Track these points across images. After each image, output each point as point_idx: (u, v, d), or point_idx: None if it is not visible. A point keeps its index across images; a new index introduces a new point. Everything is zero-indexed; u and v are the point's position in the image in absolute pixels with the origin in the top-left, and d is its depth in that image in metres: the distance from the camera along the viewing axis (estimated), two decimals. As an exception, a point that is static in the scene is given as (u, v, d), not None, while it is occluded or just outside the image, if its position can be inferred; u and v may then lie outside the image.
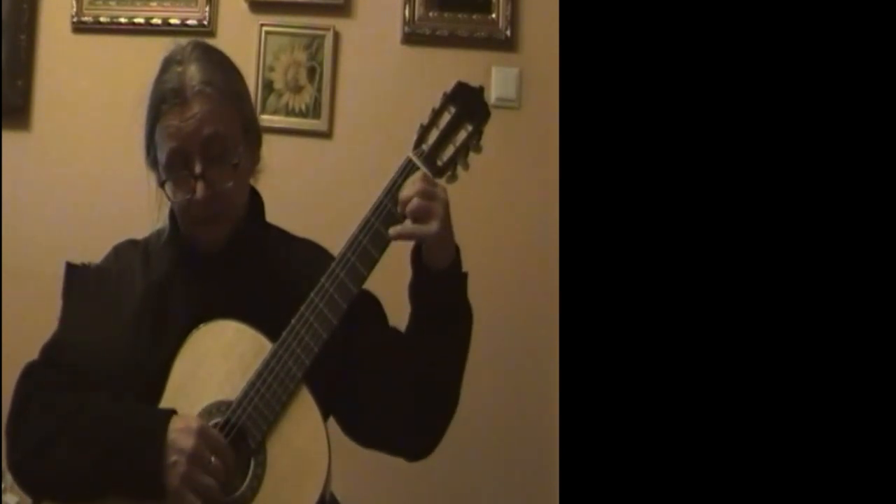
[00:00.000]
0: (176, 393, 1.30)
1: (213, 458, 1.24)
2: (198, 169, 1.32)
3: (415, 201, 1.28)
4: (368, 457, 1.43)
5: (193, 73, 1.33)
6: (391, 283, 1.36)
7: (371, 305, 1.43)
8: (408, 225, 1.29)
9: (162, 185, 1.36)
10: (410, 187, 1.30)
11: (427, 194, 1.28)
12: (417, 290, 1.35)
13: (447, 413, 1.39)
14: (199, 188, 1.32)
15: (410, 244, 1.34)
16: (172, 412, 1.26)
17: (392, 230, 1.29)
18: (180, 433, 1.23)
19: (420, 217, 1.28)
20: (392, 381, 1.35)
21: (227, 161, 1.34)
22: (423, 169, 1.32)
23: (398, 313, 1.38)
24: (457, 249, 1.35)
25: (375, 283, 1.35)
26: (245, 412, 1.27)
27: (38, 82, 2.41)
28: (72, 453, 1.26)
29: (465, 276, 1.36)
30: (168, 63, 1.36)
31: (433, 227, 1.28)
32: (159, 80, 1.35)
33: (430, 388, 1.35)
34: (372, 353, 1.37)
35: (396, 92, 2.35)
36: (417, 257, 1.34)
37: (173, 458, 1.22)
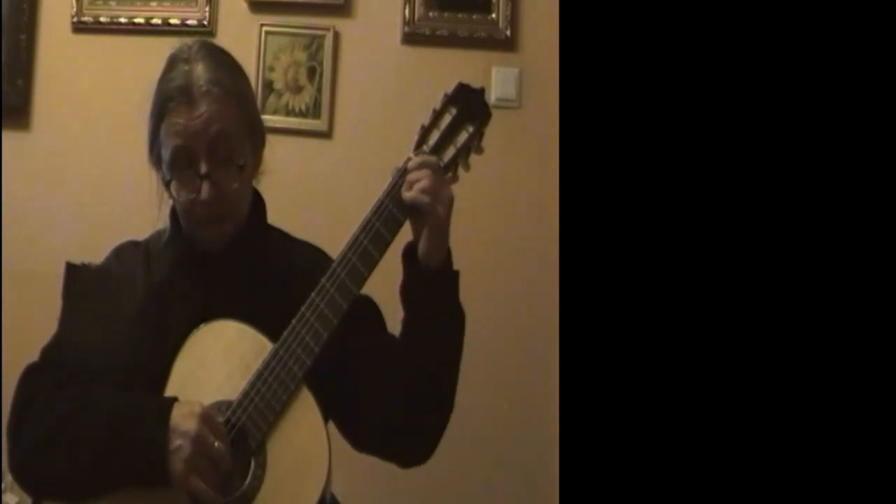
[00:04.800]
0: (176, 393, 1.29)
1: (216, 443, 1.23)
2: (203, 169, 1.32)
3: (424, 182, 1.28)
4: (369, 457, 1.43)
5: (201, 72, 1.33)
6: (390, 286, 1.35)
7: (370, 311, 1.42)
8: (419, 195, 1.28)
9: (167, 184, 1.36)
10: (419, 172, 1.29)
11: (435, 185, 1.28)
12: (409, 290, 1.34)
13: (440, 421, 1.37)
14: (205, 188, 1.32)
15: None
16: (175, 399, 1.27)
17: (406, 195, 1.28)
18: (184, 417, 1.23)
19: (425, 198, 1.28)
20: (386, 387, 1.34)
21: (233, 162, 1.34)
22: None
23: (398, 316, 1.37)
24: (448, 251, 1.33)
25: (374, 286, 1.35)
26: (245, 412, 1.27)
27: (38, 82, 2.42)
28: (74, 449, 1.26)
29: (456, 274, 1.34)
30: (174, 61, 1.36)
31: (439, 207, 1.28)
32: (165, 77, 1.35)
33: (424, 395, 1.34)
34: (368, 359, 1.36)
35: (396, 92, 2.36)
36: (409, 255, 1.33)
37: (177, 442, 1.22)
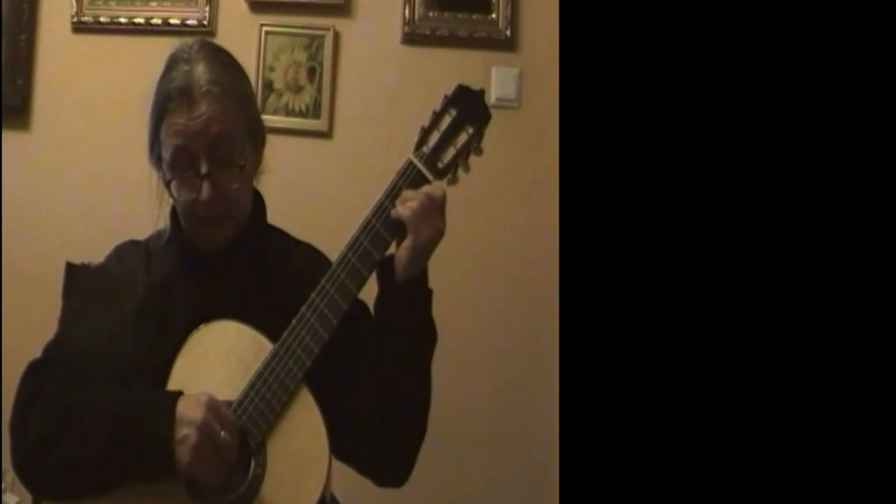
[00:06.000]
0: (177, 392, 1.29)
1: (222, 432, 1.23)
2: (204, 169, 1.32)
3: (415, 203, 1.29)
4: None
5: (201, 72, 1.33)
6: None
7: (367, 317, 1.42)
8: (404, 211, 1.29)
9: (167, 183, 1.36)
10: (415, 192, 1.30)
11: (424, 208, 1.29)
12: (381, 303, 1.34)
13: (410, 442, 1.37)
14: (205, 188, 1.32)
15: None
16: (180, 392, 1.26)
17: (396, 208, 1.30)
18: (189, 407, 1.23)
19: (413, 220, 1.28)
20: (362, 399, 1.34)
21: (233, 162, 1.34)
22: (424, 171, 1.33)
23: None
24: (425, 271, 1.33)
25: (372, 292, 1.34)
26: (245, 412, 1.27)
27: (38, 82, 2.42)
28: (77, 445, 1.25)
29: (430, 292, 1.35)
30: (174, 61, 1.36)
31: (424, 230, 1.28)
32: (165, 77, 1.35)
33: (392, 414, 1.33)
34: (354, 365, 1.35)
35: (396, 92, 2.36)
36: (384, 267, 1.32)
37: (183, 431, 1.21)
